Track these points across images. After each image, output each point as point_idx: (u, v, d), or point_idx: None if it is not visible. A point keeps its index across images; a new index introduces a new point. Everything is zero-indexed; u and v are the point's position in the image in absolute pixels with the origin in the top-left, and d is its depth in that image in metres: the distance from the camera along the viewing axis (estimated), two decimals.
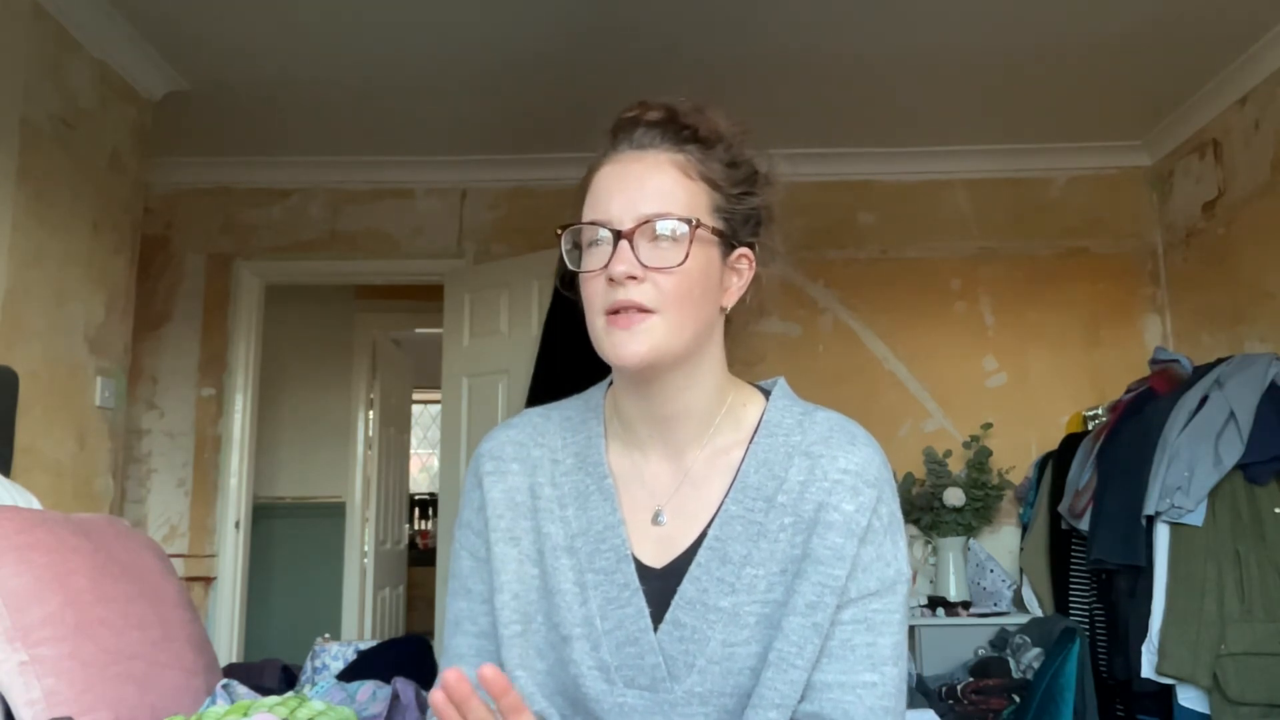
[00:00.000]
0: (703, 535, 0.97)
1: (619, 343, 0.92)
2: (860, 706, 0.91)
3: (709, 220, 0.95)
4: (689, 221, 0.93)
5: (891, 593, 0.95)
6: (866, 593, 0.94)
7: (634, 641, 0.94)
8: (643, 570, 0.97)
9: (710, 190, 0.96)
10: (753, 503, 0.97)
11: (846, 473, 0.96)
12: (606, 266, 0.92)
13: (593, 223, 0.94)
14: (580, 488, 1.01)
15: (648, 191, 0.94)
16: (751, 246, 1.00)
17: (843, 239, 4.09)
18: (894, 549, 0.96)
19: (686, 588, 0.95)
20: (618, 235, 0.92)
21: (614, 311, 0.92)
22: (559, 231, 0.97)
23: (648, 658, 0.94)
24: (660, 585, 0.96)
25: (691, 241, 0.92)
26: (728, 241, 0.98)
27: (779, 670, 0.91)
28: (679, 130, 0.96)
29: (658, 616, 0.95)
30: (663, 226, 0.92)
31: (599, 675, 0.94)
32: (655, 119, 0.97)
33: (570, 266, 0.97)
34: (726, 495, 0.98)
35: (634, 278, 0.91)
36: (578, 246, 0.97)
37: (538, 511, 1.01)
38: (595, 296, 0.94)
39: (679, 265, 0.92)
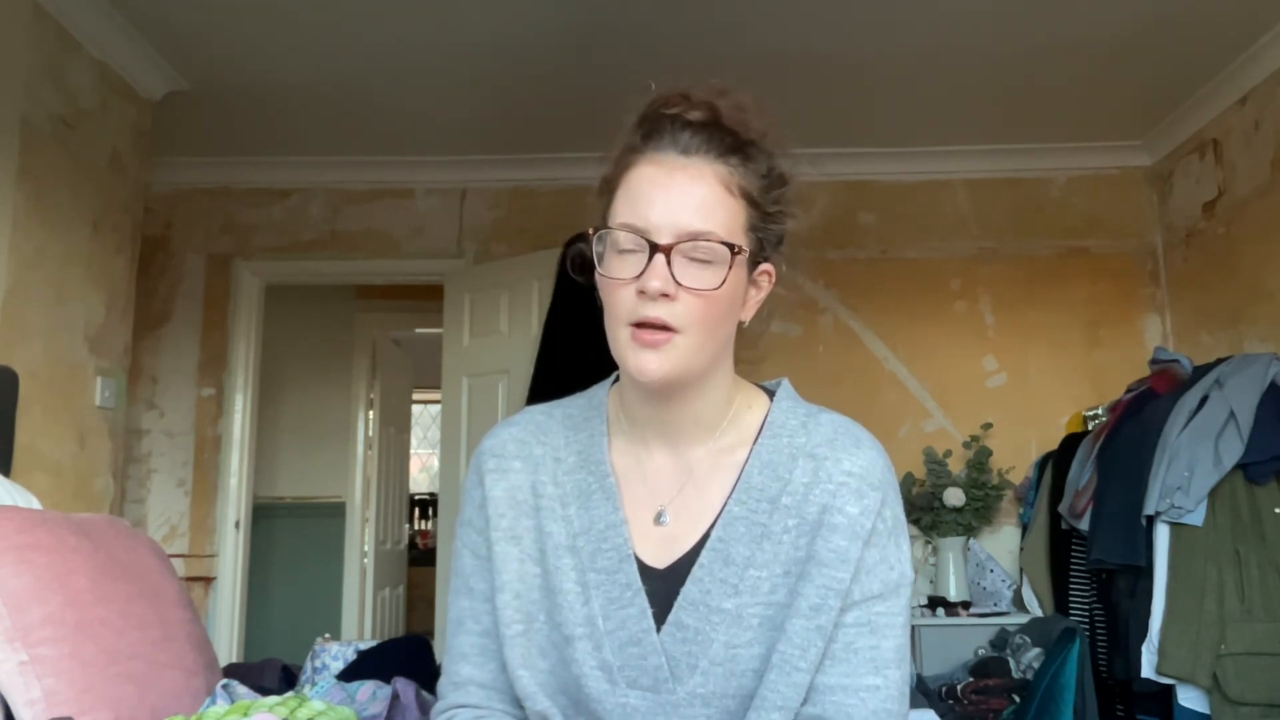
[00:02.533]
0: (706, 536, 0.97)
1: (643, 361, 0.91)
2: (863, 709, 0.91)
3: (744, 241, 0.94)
4: (731, 248, 0.91)
5: (895, 596, 0.95)
6: (870, 595, 0.94)
7: (636, 642, 0.94)
8: (645, 570, 0.97)
9: (748, 207, 0.95)
10: (756, 504, 0.97)
11: (851, 475, 0.96)
12: (639, 278, 0.90)
13: (631, 230, 0.91)
14: (582, 486, 1.01)
15: (690, 205, 0.91)
16: (773, 261, 1.00)
17: (843, 239, 4.09)
18: (897, 552, 0.96)
19: (689, 589, 0.95)
20: (655, 248, 0.90)
21: (639, 324, 0.91)
22: (592, 232, 0.95)
23: (650, 658, 0.94)
24: (663, 586, 0.96)
25: (730, 268, 0.91)
26: (754, 258, 0.97)
27: (782, 672, 0.91)
28: (723, 137, 0.94)
29: (660, 617, 0.95)
30: (704, 249, 0.91)
31: (601, 675, 0.94)
32: (699, 120, 0.94)
33: (599, 268, 0.94)
34: (730, 496, 0.98)
35: (667, 295, 0.90)
36: (602, 243, 0.95)
37: (539, 510, 1.01)
38: (620, 305, 0.92)
39: (714, 290, 0.91)
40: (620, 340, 0.93)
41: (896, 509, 0.98)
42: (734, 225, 0.93)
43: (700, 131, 0.93)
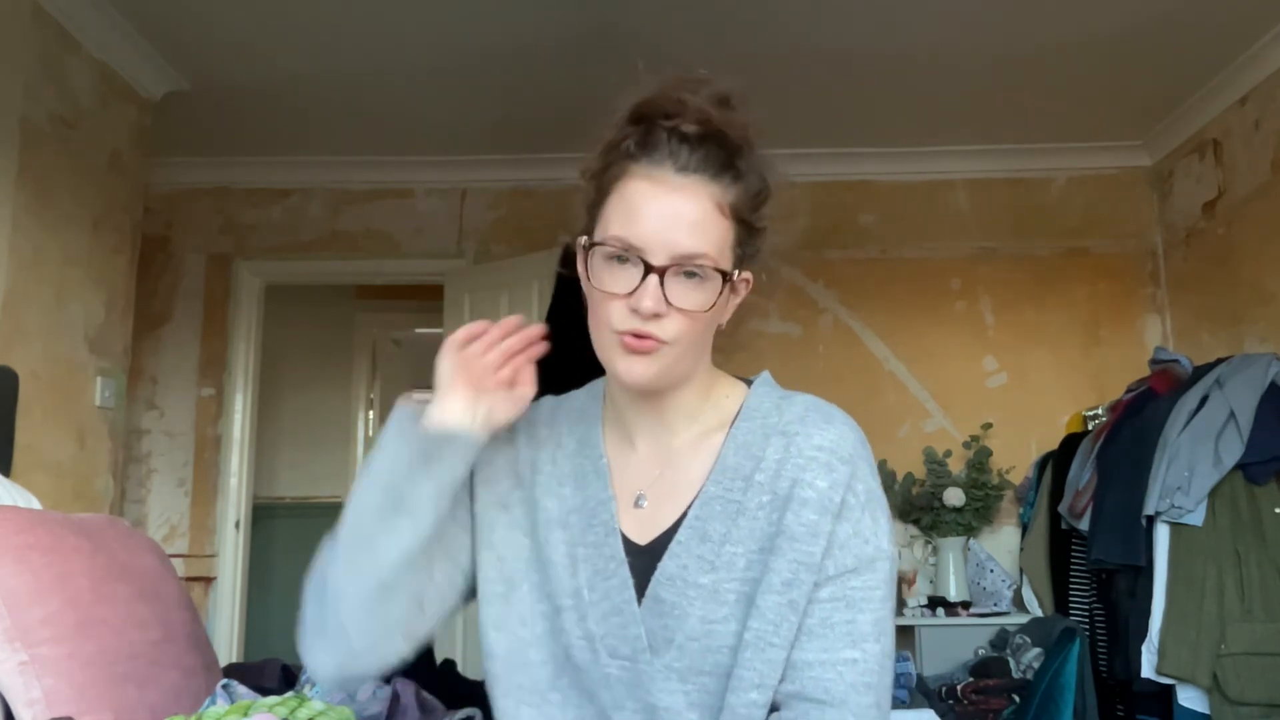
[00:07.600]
0: (684, 514, 0.99)
1: (630, 367, 0.94)
2: (841, 684, 0.92)
3: (730, 257, 0.96)
4: (724, 275, 0.94)
5: (870, 570, 0.95)
6: (844, 570, 0.95)
7: (619, 612, 0.97)
8: (629, 546, 1.00)
9: (736, 225, 0.96)
10: (731, 482, 0.98)
11: (820, 449, 0.97)
12: (631, 295, 0.92)
13: (626, 246, 0.93)
14: (579, 469, 1.05)
15: (685, 225, 0.92)
16: (752, 269, 1.02)
17: (843, 239, 4.09)
18: (873, 525, 0.97)
19: (667, 564, 0.97)
20: (649, 268, 0.92)
21: (627, 334, 0.94)
22: (585, 243, 0.96)
23: (630, 628, 0.96)
24: (644, 561, 0.99)
25: (721, 292, 0.94)
26: (736, 268, 0.99)
27: (757, 650, 0.92)
28: (718, 153, 0.94)
29: (641, 591, 0.97)
30: (696, 270, 0.93)
31: (585, 645, 0.97)
32: (695, 134, 0.93)
33: (589, 279, 0.96)
34: (708, 477, 1.00)
35: (659, 315, 0.92)
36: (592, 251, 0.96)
37: (536, 485, 1.05)
38: (611, 315, 0.94)
39: (705, 311, 0.94)
40: (607, 345, 0.96)
41: (870, 483, 0.98)
42: (723, 244, 0.95)
43: (698, 148, 0.93)
